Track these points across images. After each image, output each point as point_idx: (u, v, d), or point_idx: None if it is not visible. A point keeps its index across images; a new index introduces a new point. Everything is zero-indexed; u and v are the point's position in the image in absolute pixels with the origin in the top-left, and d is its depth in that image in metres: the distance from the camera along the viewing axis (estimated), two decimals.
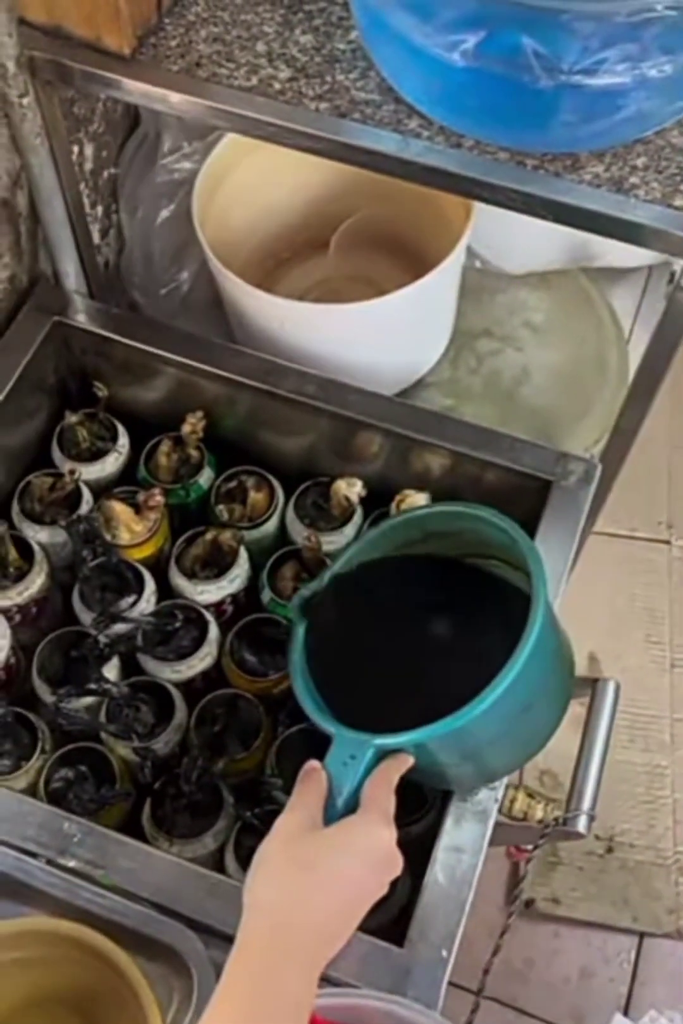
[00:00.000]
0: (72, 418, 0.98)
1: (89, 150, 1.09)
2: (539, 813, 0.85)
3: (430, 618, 0.81)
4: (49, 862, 0.74)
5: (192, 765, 0.81)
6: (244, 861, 0.79)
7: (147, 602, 0.91)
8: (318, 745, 0.72)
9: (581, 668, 1.33)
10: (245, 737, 0.86)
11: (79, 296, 1.03)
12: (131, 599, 0.91)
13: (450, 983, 0.71)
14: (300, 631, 0.79)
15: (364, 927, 0.65)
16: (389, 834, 0.65)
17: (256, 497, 0.98)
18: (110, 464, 0.99)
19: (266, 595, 0.93)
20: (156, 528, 0.94)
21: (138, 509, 0.94)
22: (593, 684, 0.87)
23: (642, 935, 1.45)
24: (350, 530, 0.95)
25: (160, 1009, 0.69)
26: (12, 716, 0.84)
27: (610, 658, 1.61)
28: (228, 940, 0.61)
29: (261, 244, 1.17)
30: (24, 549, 0.92)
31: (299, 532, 0.95)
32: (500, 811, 0.79)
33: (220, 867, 0.81)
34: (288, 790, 0.71)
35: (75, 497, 0.95)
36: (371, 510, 0.97)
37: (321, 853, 0.64)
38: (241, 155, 1.08)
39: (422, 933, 0.72)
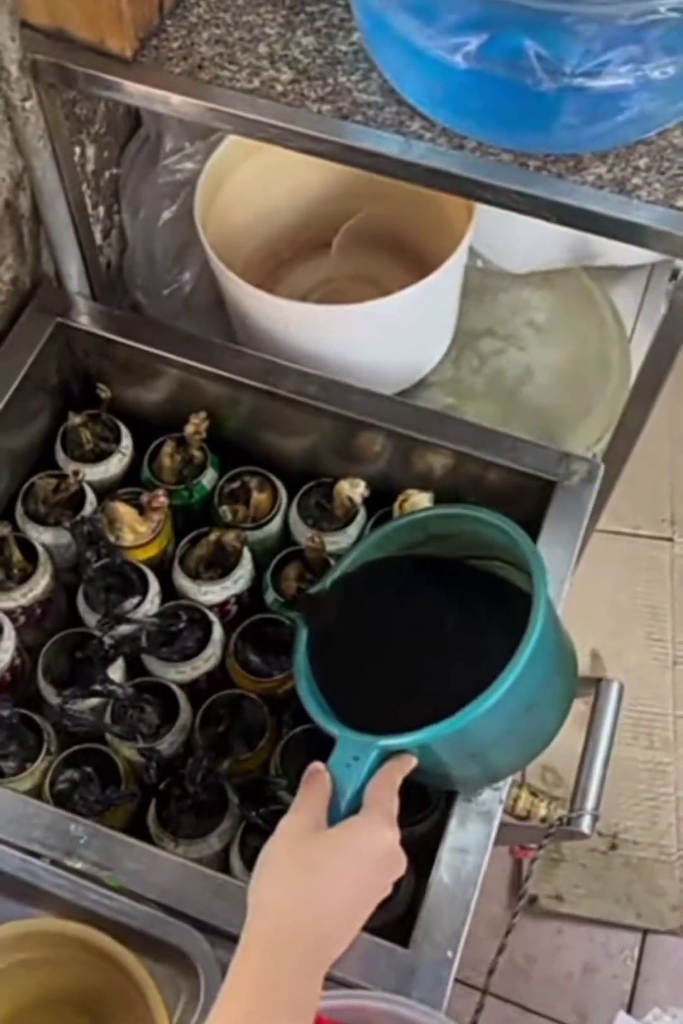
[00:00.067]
0: (75, 419, 0.98)
1: (91, 151, 1.09)
2: (542, 811, 0.85)
3: (433, 619, 0.81)
4: (55, 863, 0.75)
5: (197, 766, 0.82)
6: (249, 861, 0.79)
7: (151, 603, 0.91)
8: (322, 745, 0.72)
9: (583, 665, 1.34)
10: (249, 737, 0.86)
11: (82, 297, 1.03)
12: (135, 600, 0.91)
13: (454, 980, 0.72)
14: (303, 633, 0.80)
15: (368, 927, 0.65)
16: (392, 835, 0.66)
17: (259, 498, 0.98)
18: (114, 465, 0.99)
19: (270, 596, 0.93)
20: (160, 529, 0.94)
21: (142, 510, 0.94)
22: (597, 684, 0.87)
23: (645, 932, 1.46)
24: (353, 530, 0.96)
25: (167, 1010, 0.69)
26: (17, 718, 0.84)
27: (612, 655, 1.62)
28: (234, 940, 0.62)
29: (263, 244, 1.17)
30: (28, 551, 0.92)
31: (302, 533, 0.95)
32: (504, 810, 0.79)
33: (225, 867, 0.82)
34: (292, 790, 0.71)
35: (79, 498, 0.95)
36: (374, 510, 0.97)
37: (325, 854, 0.64)
38: (243, 155, 1.08)
39: (427, 933, 0.72)
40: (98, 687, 0.85)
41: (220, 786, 0.83)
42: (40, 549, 0.92)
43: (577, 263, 1.19)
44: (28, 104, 0.86)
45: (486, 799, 0.78)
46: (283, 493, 0.98)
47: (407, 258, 1.14)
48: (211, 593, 0.92)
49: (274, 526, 0.97)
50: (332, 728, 0.73)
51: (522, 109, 0.74)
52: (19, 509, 0.95)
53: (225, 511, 0.98)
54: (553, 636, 0.74)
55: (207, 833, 0.81)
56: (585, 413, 1.12)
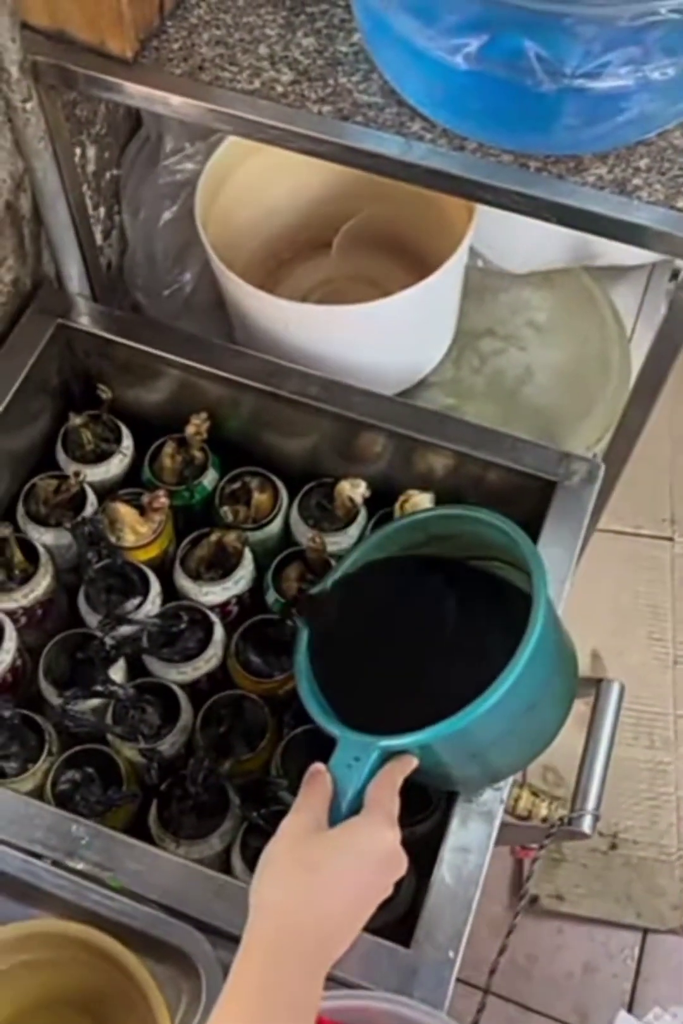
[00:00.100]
0: (76, 420, 0.98)
1: (91, 152, 1.09)
2: (543, 811, 0.85)
3: (434, 620, 0.81)
4: (57, 864, 0.75)
5: (198, 766, 0.82)
6: (250, 862, 0.79)
7: (152, 604, 0.91)
8: (323, 746, 0.73)
9: (584, 665, 1.34)
10: (251, 738, 0.86)
11: (82, 298, 1.03)
12: (136, 601, 0.91)
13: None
14: (304, 635, 0.80)
15: (369, 927, 0.65)
16: (393, 835, 0.66)
17: (260, 498, 0.98)
18: (114, 466, 0.99)
19: (271, 596, 0.93)
20: (161, 530, 0.94)
21: (143, 511, 0.94)
22: (597, 684, 0.87)
23: (646, 931, 1.46)
24: (354, 531, 0.96)
25: (169, 1010, 0.69)
26: (19, 718, 0.84)
27: (613, 655, 1.62)
28: (235, 941, 0.62)
29: (263, 244, 1.17)
30: (29, 551, 0.92)
31: (303, 533, 0.95)
32: (505, 810, 0.79)
33: (226, 868, 0.82)
34: (294, 791, 0.72)
35: (80, 499, 0.95)
36: (375, 511, 0.97)
37: (326, 854, 0.64)
38: (243, 156, 1.08)
39: (429, 934, 0.72)
40: (99, 688, 0.85)
41: (221, 787, 0.83)
42: (41, 550, 0.92)
43: (577, 263, 1.19)
44: (29, 105, 0.86)
45: (487, 799, 0.78)
46: (284, 494, 0.98)
47: (407, 258, 1.14)
48: (212, 594, 0.92)
49: (275, 527, 0.98)
50: (333, 729, 0.73)
51: (522, 110, 0.74)
52: (20, 510, 0.95)
53: (226, 512, 0.98)
54: (553, 636, 0.74)
55: (208, 834, 0.81)
56: (585, 413, 1.12)
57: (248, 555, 0.94)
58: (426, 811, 0.83)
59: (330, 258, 1.15)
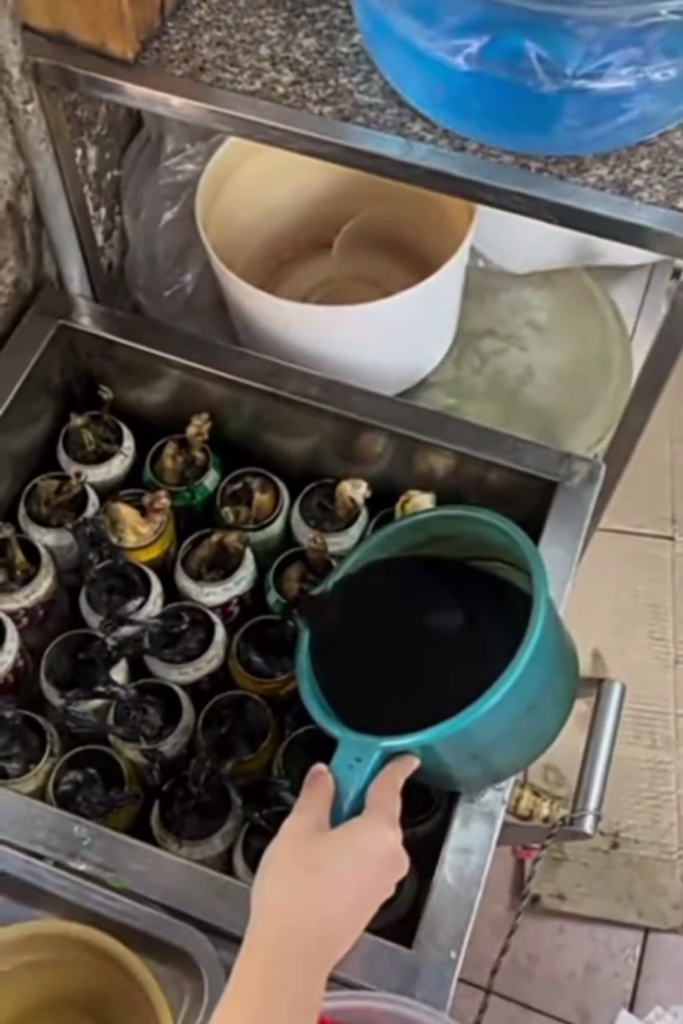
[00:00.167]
0: (77, 421, 0.98)
1: (92, 153, 1.09)
2: (544, 811, 0.85)
3: (434, 620, 0.81)
4: (59, 865, 0.75)
5: (200, 767, 0.82)
6: (252, 862, 0.79)
7: (154, 604, 0.91)
8: (325, 746, 0.73)
9: (585, 664, 1.34)
10: (252, 739, 0.86)
11: (83, 299, 1.03)
12: (138, 602, 0.91)
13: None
14: (305, 635, 0.80)
15: (371, 928, 0.65)
16: (394, 835, 0.66)
17: (261, 499, 0.98)
18: (116, 467, 0.99)
19: (272, 596, 0.93)
20: (162, 530, 0.94)
21: (144, 511, 0.95)
22: (599, 685, 0.87)
23: (647, 930, 1.46)
24: (355, 531, 0.96)
25: (171, 1011, 0.69)
26: (20, 719, 0.84)
27: (614, 654, 1.62)
28: (237, 942, 0.62)
29: (264, 245, 1.17)
30: (31, 552, 0.92)
31: (304, 533, 0.96)
32: (506, 810, 0.79)
33: (228, 868, 0.82)
34: (295, 791, 0.72)
35: (81, 500, 0.96)
36: (376, 511, 0.97)
37: (328, 855, 0.64)
38: (244, 156, 1.08)
39: (430, 934, 0.73)
40: (101, 689, 0.85)
41: (223, 787, 0.83)
42: (42, 551, 0.92)
43: (578, 263, 1.19)
44: (30, 107, 0.86)
45: (489, 799, 0.78)
46: (285, 494, 0.98)
47: (408, 259, 1.14)
48: (213, 594, 0.92)
49: (276, 527, 0.98)
50: (334, 729, 0.73)
51: (523, 111, 0.74)
52: (21, 511, 0.96)
53: (227, 512, 0.98)
54: (554, 637, 0.74)
55: (210, 834, 0.81)
56: (586, 413, 1.12)
57: (249, 556, 0.94)
58: (428, 811, 0.83)
59: (331, 258, 1.15)
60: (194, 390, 0.99)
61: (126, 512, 0.93)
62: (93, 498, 0.96)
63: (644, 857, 1.49)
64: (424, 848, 0.78)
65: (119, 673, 0.88)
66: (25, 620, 0.91)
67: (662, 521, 1.76)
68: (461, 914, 0.73)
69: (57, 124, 0.91)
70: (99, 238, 1.14)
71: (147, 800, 0.85)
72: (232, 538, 0.92)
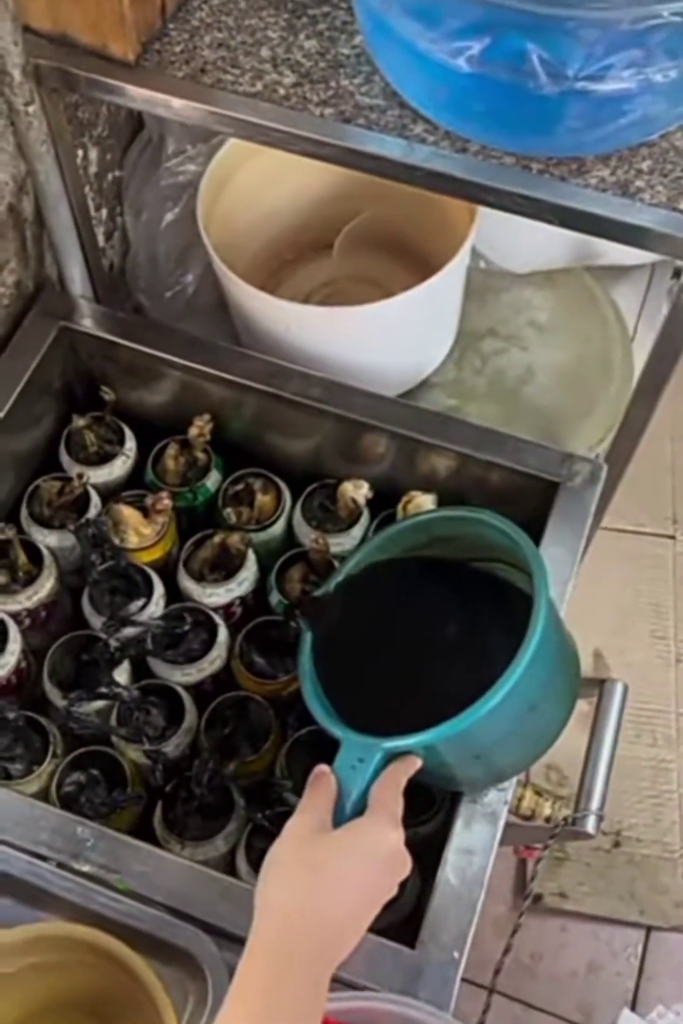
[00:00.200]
0: (79, 422, 0.98)
1: (93, 154, 1.09)
2: (546, 810, 0.85)
3: (436, 621, 0.82)
4: (62, 866, 0.75)
5: (203, 768, 0.82)
6: (255, 863, 0.79)
7: (156, 605, 0.91)
8: (328, 747, 0.73)
9: (586, 663, 1.34)
10: (255, 739, 0.87)
11: (85, 300, 1.03)
12: (140, 603, 0.91)
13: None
14: (308, 636, 0.80)
15: (374, 928, 0.65)
16: (396, 836, 0.66)
17: (263, 499, 0.98)
18: (118, 468, 0.99)
19: (274, 597, 0.93)
20: (164, 531, 0.95)
21: (146, 512, 0.95)
22: (600, 685, 0.88)
23: (649, 929, 1.46)
24: (357, 532, 0.96)
25: (175, 1012, 0.69)
26: (23, 720, 0.84)
27: (615, 653, 1.62)
28: (241, 942, 0.62)
29: (265, 246, 1.17)
30: (33, 553, 0.92)
31: (306, 534, 0.96)
32: (508, 810, 0.79)
33: (231, 869, 0.82)
34: (298, 792, 0.72)
35: (83, 501, 0.96)
36: (378, 512, 0.97)
37: (330, 855, 0.64)
38: (245, 157, 1.08)
39: (433, 934, 0.73)
40: (104, 690, 0.85)
41: (226, 788, 0.83)
42: (45, 552, 0.92)
43: (579, 263, 1.19)
44: (31, 108, 0.86)
45: (491, 800, 0.78)
46: (287, 495, 0.99)
47: (409, 259, 1.14)
48: (216, 595, 0.92)
49: (278, 528, 0.98)
50: (337, 730, 0.73)
51: (525, 112, 0.74)
52: (24, 512, 0.96)
53: (229, 513, 0.98)
54: (555, 637, 0.74)
55: (213, 835, 0.82)
56: (587, 413, 1.12)
57: (251, 556, 0.94)
58: (430, 812, 0.83)
59: (332, 259, 1.15)
60: (196, 391, 0.99)
61: (128, 513, 0.94)
62: (95, 499, 0.96)
63: (646, 856, 1.50)
64: (427, 848, 0.78)
65: (122, 674, 0.88)
66: (28, 621, 0.91)
67: (663, 520, 1.76)
68: (464, 914, 0.73)
69: (58, 125, 0.91)
70: (100, 239, 1.14)
71: (150, 801, 0.85)
72: (234, 539, 0.92)
